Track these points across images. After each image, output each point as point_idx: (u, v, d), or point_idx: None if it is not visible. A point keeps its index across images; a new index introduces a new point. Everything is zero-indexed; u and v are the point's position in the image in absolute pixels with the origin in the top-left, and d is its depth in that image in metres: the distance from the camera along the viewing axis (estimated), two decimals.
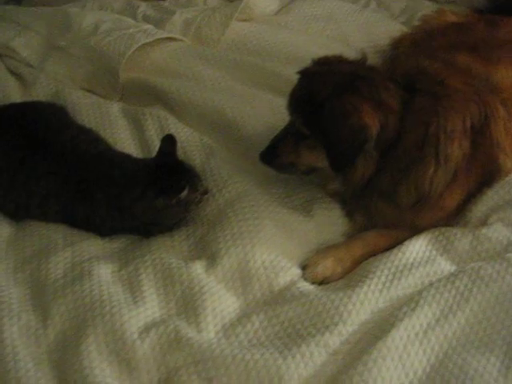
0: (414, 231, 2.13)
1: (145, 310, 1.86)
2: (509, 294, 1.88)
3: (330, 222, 2.21)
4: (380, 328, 1.80)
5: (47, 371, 1.73)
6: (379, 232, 2.16)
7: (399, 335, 1.76)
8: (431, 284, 1.92)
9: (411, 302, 1.86)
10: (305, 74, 2.22)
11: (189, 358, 1.72)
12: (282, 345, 1.76)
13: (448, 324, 1.82)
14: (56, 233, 2.15)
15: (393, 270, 1.98)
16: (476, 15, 2.99)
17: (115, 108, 2.80)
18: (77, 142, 2.27)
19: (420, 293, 1.89)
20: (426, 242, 2.08)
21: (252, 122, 2.60)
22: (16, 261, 2.06)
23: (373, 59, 2.62)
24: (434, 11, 3.11)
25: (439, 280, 1.94)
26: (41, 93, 2.90)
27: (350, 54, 2.37)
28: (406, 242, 2.08)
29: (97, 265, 2.00)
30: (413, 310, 1.83)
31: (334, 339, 1.78)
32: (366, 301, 1.88)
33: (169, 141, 2.21)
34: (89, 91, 2.93)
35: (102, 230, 2.17)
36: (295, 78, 2.23)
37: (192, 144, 2.51)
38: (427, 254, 2.05)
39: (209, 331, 1.83)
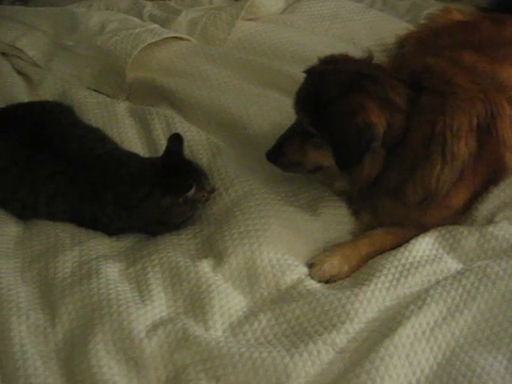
0: (421, 229, 2.13)
1: (152, 308, 1.87)
2: None
3: (336, 220, 2.21)
4: (387, 326, 1.80)
5: (55, 369, 1.74)
6: (386, 230, 2.17)
7: (406, 333, 1.76)
8: (438, 282, 1.93)
9: (418, 300, 1.86)
10: (311, 72, 2.22)
11: (196, 356, 1.72)
12: (289, 343, 1.77)
13: (455, 322, 1.82)
14: (63, 232, 2.16)
15: (400, 268, 1.98)
16: (482, 13, 2.99)
17: (122, 107, 2.81)
18: (84, 141, 2.28)
19: (427, 291, 1.89)
20: (433, 240, 2.09)
21: (258, 121, 2.60)
22: (24, 260, 2.07)
23: (379, 58, 2.63)
24: (439, 9, 3.11)
25: (446, 278, 1.94)
26: (47, 92, 2.91)
27: (356, 52, 2.38)
28: (413, 241, 2.08)
29: (104, 263, 2.00)
30: (420, 308, 1.83)
31: (341, 337, 1.79)
32: (373, 299, 1.88)
33: (176, 140, 2.21)
34: (95, 91, 2.93)
35: (110, 229, 2.18)
36: (301, 76, 2.24)
37: (199, 143, 2.52)
38: (434, 252, 2.05)
39: (216, 329, 1.83)
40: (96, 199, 2.15)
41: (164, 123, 2.64)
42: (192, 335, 1.77)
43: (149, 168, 2.16)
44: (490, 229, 2.09)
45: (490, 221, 2.15)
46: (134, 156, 2.31)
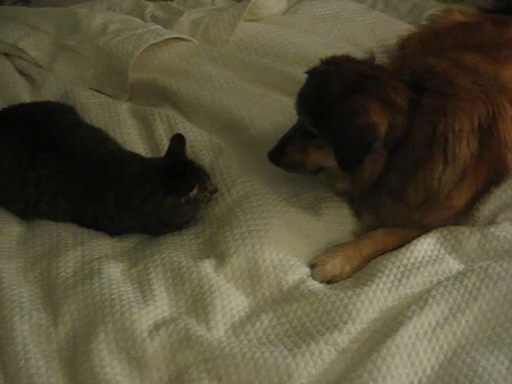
0: (423, 230, 2.14)
1: (154, 308, 1.87)
2: None
3: (338, 221, 2.21)
4: (389, 326, 1.80)
5: (58, 369, 1.74)
6: (388, 231, 2.17)
7: (408, 333, 1.76)
8: (440, 283, 1.93)
9: (420, 300, 1.86)
10: (313, 73, 2.22)
11: (199, 356, 1.73)
12: (292, 343, 1.77)
13: (456, 322, 1.82)
14: (66, 232, 2.16)
15: (401, 268, 1.98)
16: (483, 14, 2.99)
17: (124, 108, 2.81)
18: (86, 141, 2.28)
19: (428, 291, 1.89)
20: (435, 240, 2.09)
21: (260, 122, 2.61)
22: (26, 260, 2.07)
23: (380, 59, 2.64)
24: (441, 11, 3.12)
25: (448, 279, 1.95)
26: (50, 93, 2.91)
27: (358, 53, 2.38)
28: (415, 241, 2.08)
29: (106, 264, 2.01)
30: (421, 308, 1.83)
31: (343, 337, 1.79)
32: (375, 299, 1.89)
33: (178, 140, 2.21)
34: (98, 91, 2.94)
35: (112, 229, 2.18)
36: (303, 77, 2.24)
37: (201, 143, 2.52)
38: (436, 252, 2.05)
39: (218, 329, 1.83)
40: (98, 199, 2.15)
41: (166, 124, 2.65)
42: (194, 335, 1.77)
43: (151, 168, 2.16)
44: (492, 229, 2.09)
45: (491, 221, 2.15)
46: (136, 156, 2.32)
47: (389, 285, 1.93)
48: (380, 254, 2.10)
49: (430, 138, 2.04)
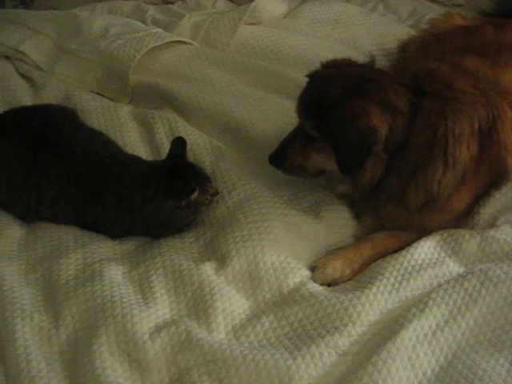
0: (423, 233, 2.14)
1: (156, 310, 1.87)
2: None
3: (338, 224, 2.21)
4: (389, 329, 1.81)
5: (59, 371, 1.74)
6: (388, 234, 2.17)
7: (408, 336, 1.77)
8: (440, 285, 1.93)
9: (420, 303, 1.87)
10: (313, 77, 2.23)
11: (199, 359, 1.73)
12: (292, 345, 1.78)
13: (457, 325, 1.83)
14: (67, 234, 2.16)
15: (401, 271, 1.99)
16: (484, 18, 3.00)
17: (125, 111, 2.82)
18: (87, 144, 2.29)
19: (429, 294, 1.89)
20: (435, 243, 2.10)
21: (261, 125, 2.61)
22: (28, 262, 2.07)
23: (381, 62, 2.64)
24: (441, 14, 3.12)
25: (448, 281, 1.95)
26: (51, 96, 2.92)
27: (358, 57, 2.39)
28: (415, 244, 2.09)
29: (108, 266, 2.01)
30: (421, 311, 1.84)
31: (344, 340, 1.79)
32: (375, 302, 1.89)
33: (179, 143, 2.21)
34: (99, 94, 2.95)
35: (113, 231, 2.18)
36: (304, 81, 2.25)
37: (202, 146, 2.53)
38: (436, 255, 2.06)
39: (219, 332, 1.84)
40: (99, 202, 2.16)
41: (167, 127, 2.65)
42: (195, 338, 1.77)
43: (152, 171, 2.17)
44: (492, 232, 2.10)
45: (491, 224, 2.16)
46: (137, 159, 2.32)
47: (389, 287, 1.94)
48: (380, 257, 2.10)
49: (431, 141, 2.05)
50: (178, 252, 2.09)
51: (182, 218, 2.16)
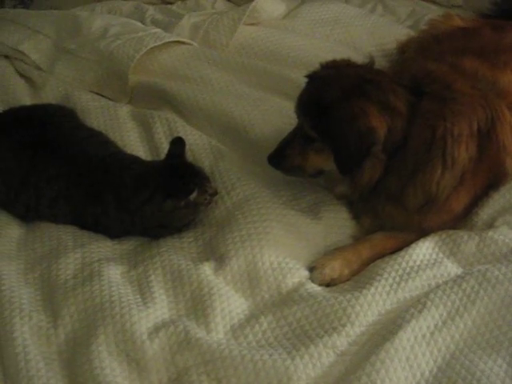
0: (421, 234, 2.14)
1: (154, 310, 1.87)
2: None
3: (337, 224, 2.22)
4: (387, 329, 1.81)
5: (58, 371, 1.74)
6: (386, 234, 2.18)
7: (406, 337, 1.77)
8: (438, 286, 1.94)
9: (418, 303, 1.87)
10: (313, 77, 2.23)
11: (198, 358, 1.73)
12: (291, 345, 1.78)
13: (455, 326, 1.83)
14: (66, 234, 2.16)
15: (400, 272, 1.99)
16: (483, 20, 3.01)
17: (124, 111, 2.82)
18: (86, 144, 2.29)
19: (427, 295, 1.90)
20: (433, 244, 2.10)
21: (260, 125, 2.61)
22: (26, 262, 2.07)
23: (380, 63, 2.64)
24: (440, 15, 3.12)
25: (446, 282, 1.95)
26: (50, 96, 2.92)
27: (358, 57, 2.39)
28: (413, 245, 2.09)
29: (106, 266, 2.01)
30: (420, 311, 1.84)
31: (342, 340, 1.80)
32: (374, 302, 1.89)
33: (178, 143, 2.22)
34: (98, 94, 2.94)
35: (112, 231, 2.18)
36: (303, 81, 2.25)
37: (201, 147, 2.53)
38: (434, 256, 2.06)
39: (218, 332, 1.84)
40: (98, 202, 2.16)
41: (166, 127, 2.65)
42: (194, 337, 1.77)
43: (151, 171, 2.17)
44: (490, 233, 2.10)
45: (489, 225, 2.16)
46: (136, 159, 2.32)
47: (388, 288, 1.94)
48: (379, 258, 2.10)
49: (429, 142, 2.05)
50: (176, 252, 2.09)
51: (180, 218, 2.16)
